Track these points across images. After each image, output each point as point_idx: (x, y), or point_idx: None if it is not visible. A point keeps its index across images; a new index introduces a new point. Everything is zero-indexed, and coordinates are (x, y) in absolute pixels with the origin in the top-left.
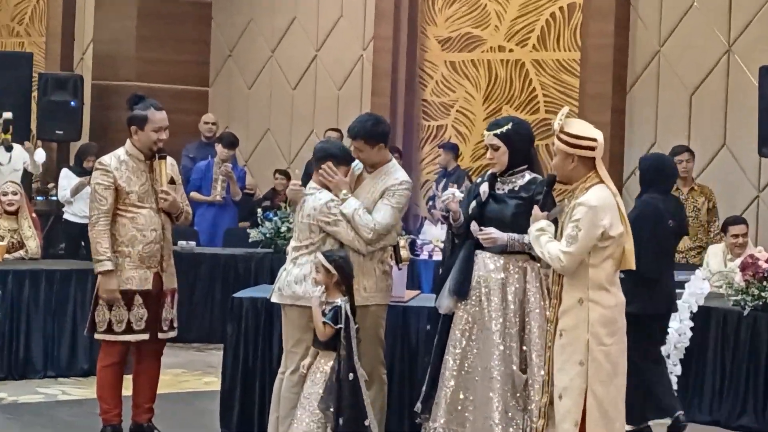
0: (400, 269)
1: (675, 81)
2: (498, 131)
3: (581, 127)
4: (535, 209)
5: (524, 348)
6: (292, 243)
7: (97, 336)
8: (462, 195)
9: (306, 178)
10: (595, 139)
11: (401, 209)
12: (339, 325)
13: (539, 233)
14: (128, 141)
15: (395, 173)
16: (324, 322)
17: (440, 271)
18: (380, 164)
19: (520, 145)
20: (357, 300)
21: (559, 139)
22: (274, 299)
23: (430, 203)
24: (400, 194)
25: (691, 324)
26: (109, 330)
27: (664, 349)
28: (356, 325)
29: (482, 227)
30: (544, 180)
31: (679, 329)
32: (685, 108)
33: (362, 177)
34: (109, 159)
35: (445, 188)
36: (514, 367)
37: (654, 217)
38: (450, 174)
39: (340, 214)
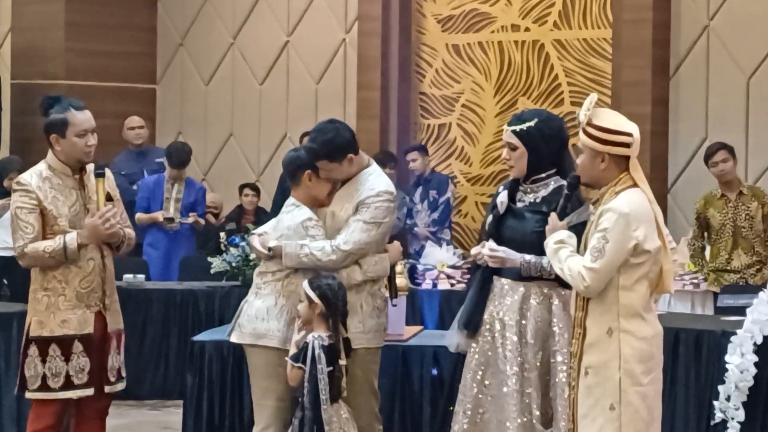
0: (394, 305)
1: (729, 63)
2: (517, 127)
3: (613, 119)
4: (552, 217)
5: (550, 395)
6: (258, 268)
7: (28, 395)
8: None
9: (281, 195)
10: (630, 134)
11: (379, 224)
12: (299, 364)
13: (558, 246)
14: (50, 153)
15: (372, 182)
16: (291, 364)
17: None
18: (357, 173)
19: (545, 147)
20: None
21: (586, 134)
22: (233, 339)
23: (410, 222)
24: (377, 206)
25: (755, 358)
26: (44, 386)
27: (722, 390)
28: (343, 363)
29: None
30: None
31: (741, 365)
32: (742, 96)
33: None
34: (29, 176)
35: (424, 197)
36: (534, 421)
37: None
38: (428, 180)
39: (318, 237)
